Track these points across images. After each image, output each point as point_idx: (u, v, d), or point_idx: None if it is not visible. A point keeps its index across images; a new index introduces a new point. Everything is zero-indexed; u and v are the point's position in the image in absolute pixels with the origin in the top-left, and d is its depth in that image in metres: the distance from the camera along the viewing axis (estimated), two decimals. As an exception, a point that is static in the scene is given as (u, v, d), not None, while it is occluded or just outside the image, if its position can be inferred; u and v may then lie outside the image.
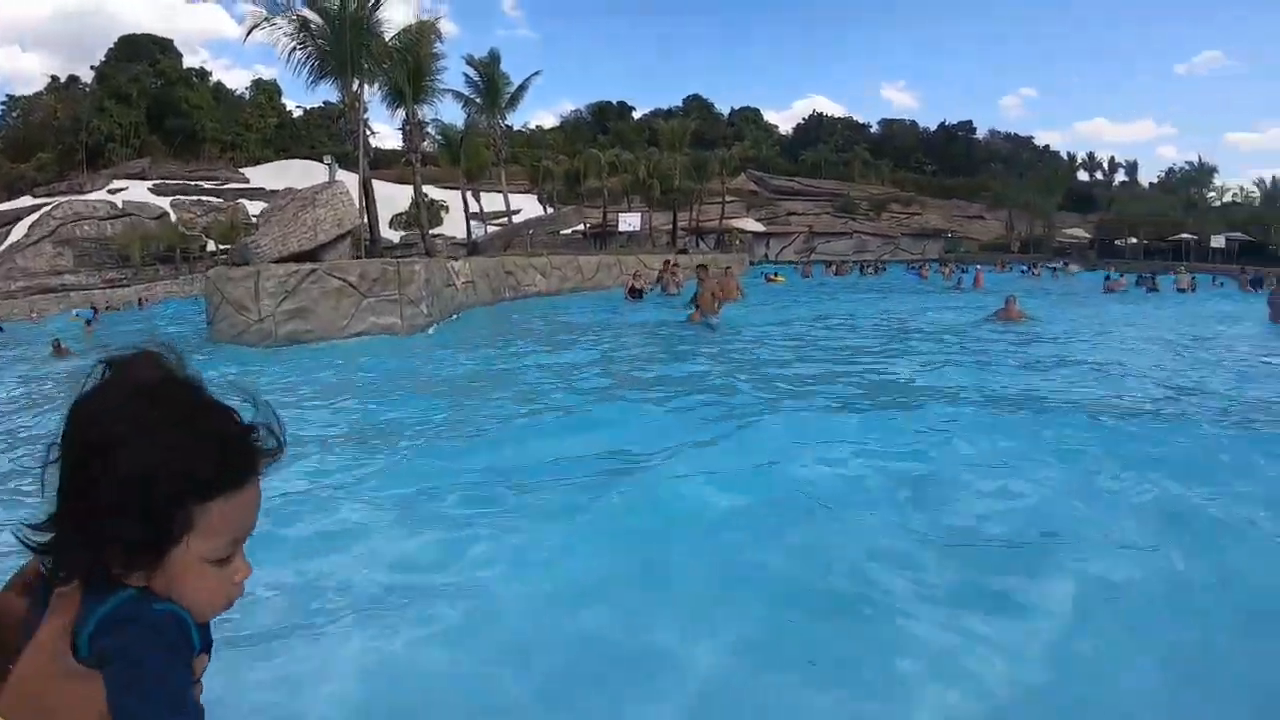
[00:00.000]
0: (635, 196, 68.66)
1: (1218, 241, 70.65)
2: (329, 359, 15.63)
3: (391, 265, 19.65)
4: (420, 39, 33.26)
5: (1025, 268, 59.84)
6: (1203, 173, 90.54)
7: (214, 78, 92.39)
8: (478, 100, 44.17)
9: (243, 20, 29.31)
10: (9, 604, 1.17)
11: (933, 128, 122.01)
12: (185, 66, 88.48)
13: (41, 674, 1.03)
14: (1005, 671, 3.94)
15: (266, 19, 28.40)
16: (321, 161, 33.75)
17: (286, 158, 79.68)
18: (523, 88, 45.61)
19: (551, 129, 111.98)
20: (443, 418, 9.58)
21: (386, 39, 31.60)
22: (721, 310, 20.92)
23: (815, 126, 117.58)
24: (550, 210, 65.28)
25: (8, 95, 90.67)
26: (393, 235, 51.03)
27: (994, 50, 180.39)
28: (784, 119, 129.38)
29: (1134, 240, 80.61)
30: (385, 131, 71.60)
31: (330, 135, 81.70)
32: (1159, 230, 79.96)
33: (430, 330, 19.95)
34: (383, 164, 74.61)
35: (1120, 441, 8.70)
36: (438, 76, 35.71)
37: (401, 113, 35.42)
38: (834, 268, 56.41)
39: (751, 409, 9.79)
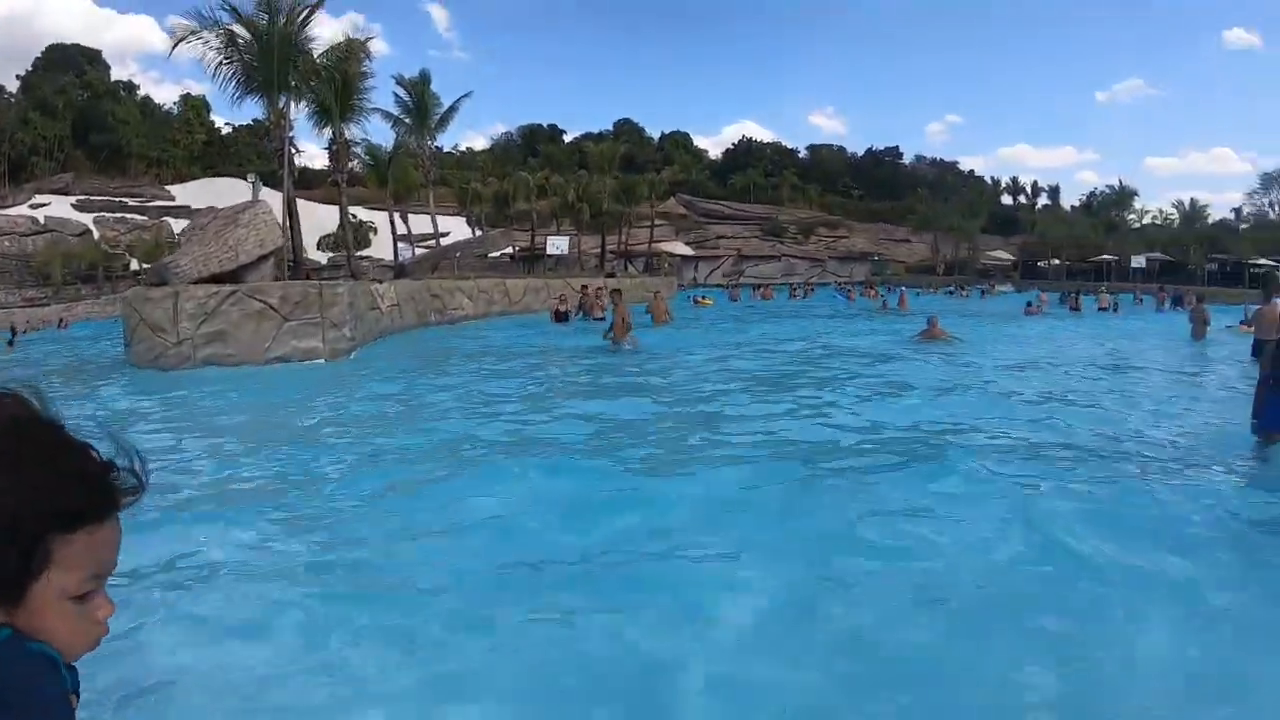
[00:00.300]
0: (565, 219, 68.59)
1: (1138, 262, 72.74)
2: (242, 385, 15.11)
3: (314, 288, 19.22)
4: (348, 57, 32.72)
5: (953, 289, 60.85)
6: (1123, 196, 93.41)
7: (142, 91, 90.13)
8: (407, 121, 43.77)
9: (173, 33, 28.52)
10: None
11: (860, 153, 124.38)
12: (113, 79, 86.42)
13: None
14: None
15: (193, 32, 27.59)
16: (247, 179, 33.22)
17: (214, 175, 78.04)
18: (453, 109, 45.35)
19: (482, 151, 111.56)
20: (336, 462, 8.74)
21: (315, 56, 31.11)
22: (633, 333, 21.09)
23: (745, 151, 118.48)
24: (479, 233, 64.96)
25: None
26: (320, 257, 50.32)
27: (920, 78, 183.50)
28: (714, 144, 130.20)
29: (1056, 261, 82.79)
30: (314, 151, 70.01)
31: (259, 154, 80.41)
32: (1081, 251, 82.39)
33: (352, 355, 19.52)
34: (311, 183, 73.54)
35: (1017, 465, 8.88)
36: (365, 95, 35.17)
37: (329, 132, 34.84)
38: (761, 290, 56.81)
39: (659, 443, 9.70)
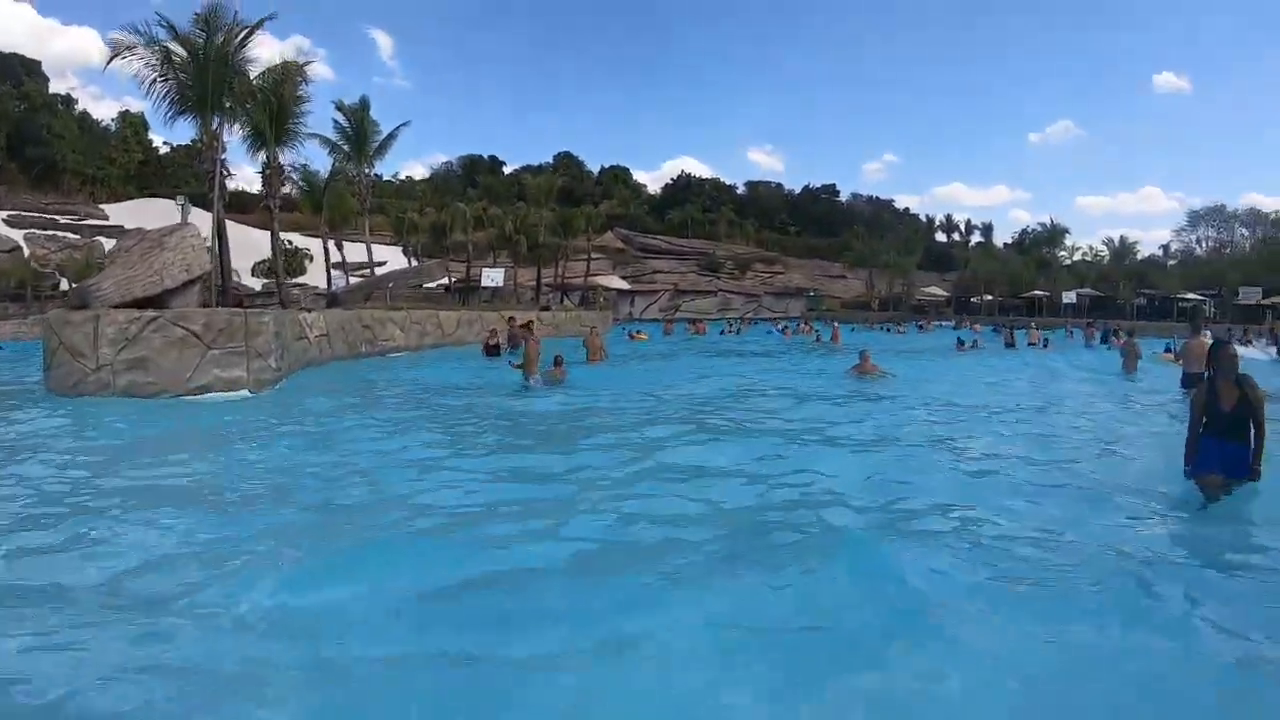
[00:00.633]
0: (502, 251, 68.43)
1: (1069, 297, 74.92)
2: (151, 418, 14.46)
3: (239, 316, 18.44)
4: (285, 80, 32.15)
5: (888, 325, 61.59)
6: (1054, 234, 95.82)
7: (80, 106, 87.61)
8: (345, 147, 43.04)
9: (114, 47, 27.86)
10: None
11: (798, 190, 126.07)
12: (51, 92, 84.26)
13: None
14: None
15: (128, 48, 26.90)
16: (175, 201, 32.58)
17: (150, 196, 76.77)
18: (391, 136, 44.50)
19: (421, 180, 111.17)
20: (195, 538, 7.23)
21: (251, 78, 30.54)
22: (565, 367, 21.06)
23: (683, 186, 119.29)
24: (414, 263, 64.56)
25: None
26: (255, 283, 49.60)
27: (858, 118, 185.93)
28: (653, 179, 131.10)
29: (989, 297, 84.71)
30: (251, 174, 68.89)
31: (196, 175, 79.43)
32: (1013, 288, 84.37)
33: (277, 386, 19.01)
34: (247, 207, 72.60)
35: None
36: (301, 120, 34.36)
37: (264, 155, 34.30)
38: (695, 326, 57.04)
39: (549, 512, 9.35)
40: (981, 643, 4.99)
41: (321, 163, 46.40)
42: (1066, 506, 8.45)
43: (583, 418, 15.22)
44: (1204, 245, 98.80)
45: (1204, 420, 8.27)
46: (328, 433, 12.86)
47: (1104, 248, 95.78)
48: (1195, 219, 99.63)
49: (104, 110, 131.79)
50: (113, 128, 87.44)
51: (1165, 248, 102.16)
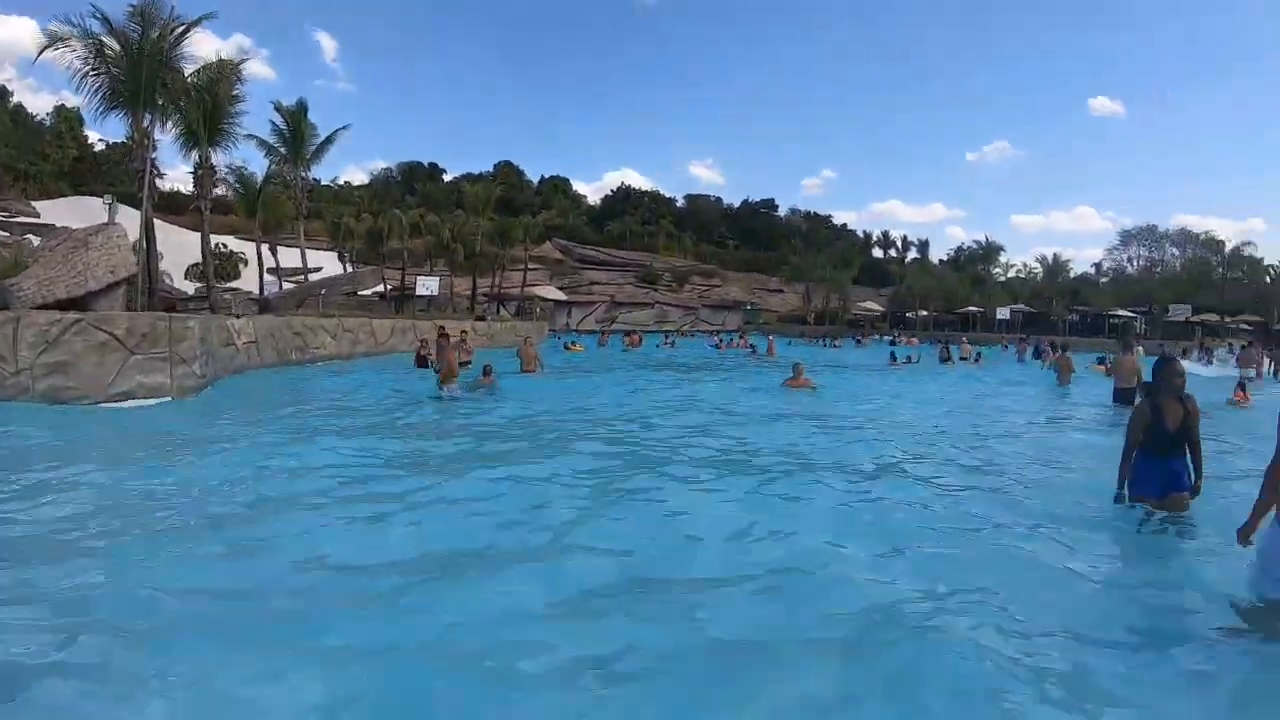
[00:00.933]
0: (439, 260, 68.02)
1: (1003, 313, 76.38)
2: (64, 425, 13.91)
3: (163, 320, 17.93)
4: (220, 78, 31.28)
5: (824, 340, 62.13)
6: (989, 251, 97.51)
7: (15, 99, 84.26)
8: (282, 150, 42.44)
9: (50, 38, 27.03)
10: None
11: (737, 204, 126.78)
12: (-16, 83, 79.87)
13: None
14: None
15: (61, 40, 25.98)
16: (102, 200, 31.79)
17: (84, 193, 75.13)
18: (329, 140, 43.94)
19: (360, 186, 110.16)
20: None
21: (185, 75, 29.71)
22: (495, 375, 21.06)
23: (623, 198, 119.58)
24: (350, 269, 63.96)
25: None
26: (188, 287, 48.64)
27: (798, 134, 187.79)
28: (594, 190, 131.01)
29: (924, 312, 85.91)
30: (186, 175, 67.14)
31: (128, 174, 77.72)
32: (948, 303, 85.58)
33: (201, 393, 18.41)
34: (181, 209, 71.21)
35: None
36: (236, 120, 33.40)
37: (197, 155, 33.54)
38: (630, 338, 57.10)
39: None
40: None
41: (260, 165, 45.43)
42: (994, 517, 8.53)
43: (491, 428, 14.94)
44: (1135, 264, 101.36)
45: (1144, 439, 8.09)
46: (227, 445, 12.28)
47: (1038, 265, 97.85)
48: (1127, 238, 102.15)
49: (40, 104, 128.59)
50: (47, 122, 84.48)
51: (1098, 266, 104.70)
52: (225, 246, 56.38)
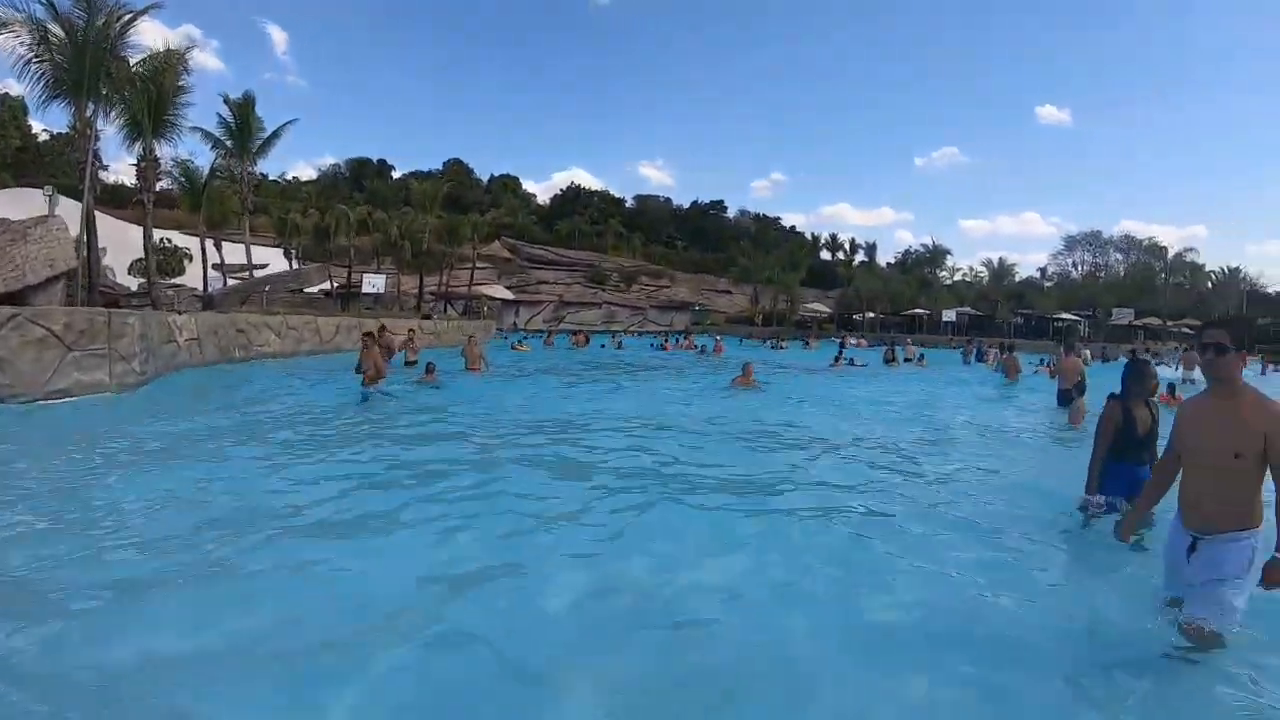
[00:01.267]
0: (386, 257, 67.51)
1: (949, 316, 77.44)
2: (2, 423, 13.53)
3: (102, 316, 17.58)
4: (166, 68, 30.37)
5: (773, 342, 62.47)
6: (936, 254, 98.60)
7: None
8: (228, 143, 41.56)
9: None
10: None
11: (686, 205, 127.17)
12: (-76, 68, 79.00)
13: None
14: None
15: (3, 25, 25.07)
16: (42, 191, 31.10)
17: (25, 184, 73.43)
18: (276, 134, 43.20)
19: (308, 182, 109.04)
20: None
21: (131, 64, 28.92)
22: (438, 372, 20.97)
23: (572, 198, 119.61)
24: (295, 266, 63.31)
25: None
26: (131, 282, 47.71)
27: (748, 136, 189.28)
28: (543, 189, 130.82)
29: (871, 314, 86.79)
30: (131, 167, 65.21)
31: (71, 165, 75.48)
32: (895, 306, 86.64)
33: (140, 391, 18.09)
34: (125, 202, 70.03)
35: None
36: (181, 111, 32.41)
37: (140, 146, 32.88)
38: (575, 338, 57.03)
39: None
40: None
41: (206, 159, 44.49)
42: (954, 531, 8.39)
43: (399, 430, 14.41)
44: (1080, 268, 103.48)
45: (1112, 442, 7.76)
46: (149, 445, 11.91)
47: (984, 269, 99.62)
48: (1072, 243, 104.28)
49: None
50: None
51: (1043, 270, 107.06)
52: (169, 241, 55.35)
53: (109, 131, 31.57)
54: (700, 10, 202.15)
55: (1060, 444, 14.84)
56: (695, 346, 50.89)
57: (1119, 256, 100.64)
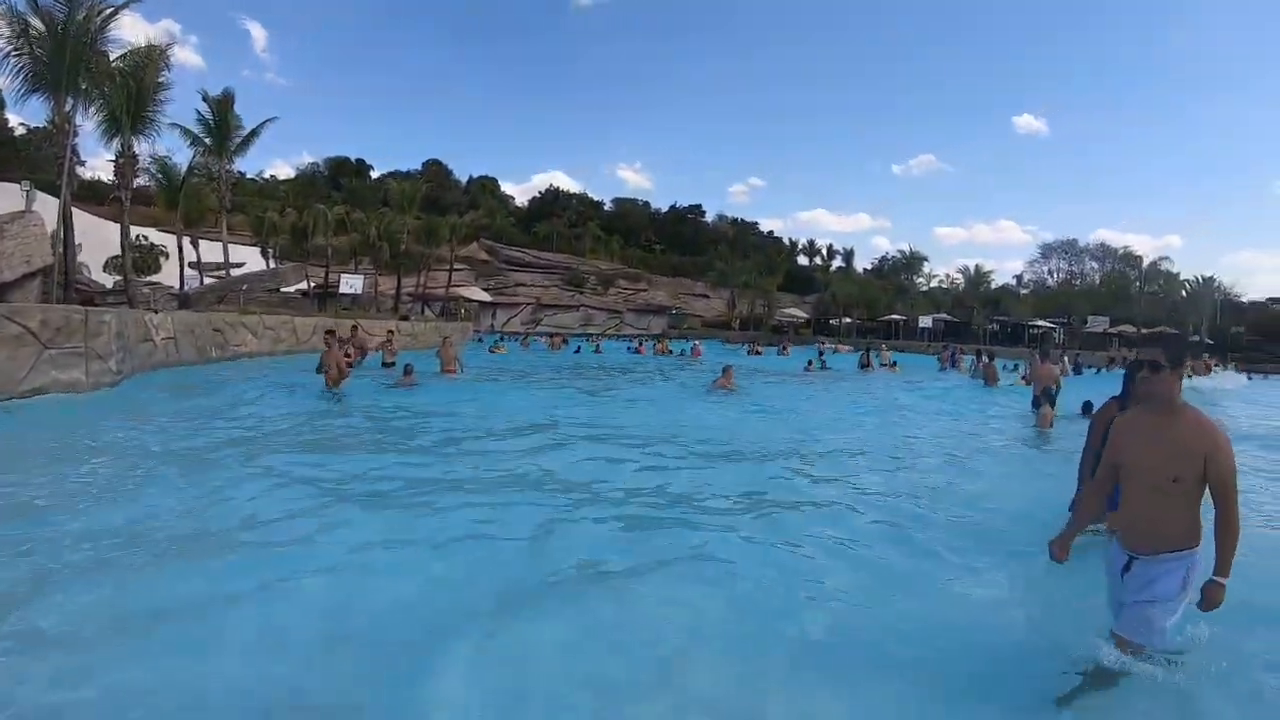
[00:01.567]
0: (364, 258, 67.32)
1: (925, 322, 78.03)
2: None
3: (78, 314, 17.31)
4: (147, 63, 30.42)
5: (749, 348, 62.69)
6: (913, 261, 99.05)
7: None
8: (207, 140, 41.38)
9: None
10: None
11: (664, 209, 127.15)
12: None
13: None
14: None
15: None
16: (19, 187, 30.79)
17: (3, 180, 72.48)
18: (254, 132, 43.08)
19: (286, 180, 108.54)
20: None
21: (111, 59, 28.83)
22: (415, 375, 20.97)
23: (551, 200, 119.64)
24: (272, 265, 63.06)
25: None
26: (107, 280, 47.35)
27: (727, 141, 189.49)
28: (522, 191, 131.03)
29: (848, 320, 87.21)
30: (108, 163, 64.13)
31: (49, 160, 74.43)
32: (871, 311, 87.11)
33: (115, 390, 17.77)
34: (103, 198, 69.32)
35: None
36: (160, 108, 32.53)
37: (119, 142, 32.58)
38: (551, 341, 57.03)
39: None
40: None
41: (184, 156, 44.07)
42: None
43: (347, 434, 14.18)
44: (1055, 276, 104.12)
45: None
46: (109, 447, 11.72)
47: (960, 276, 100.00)
48: (1048, 251, 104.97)
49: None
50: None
51: (1019, 277, 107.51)
52: (146, 239, 55.07)
53: (87, 127, 31.36)
54: (680, 14, 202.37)
55: (1028, 451, 14.96)
56: (670, 351, 51.00)
57: (1094, 265, 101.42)
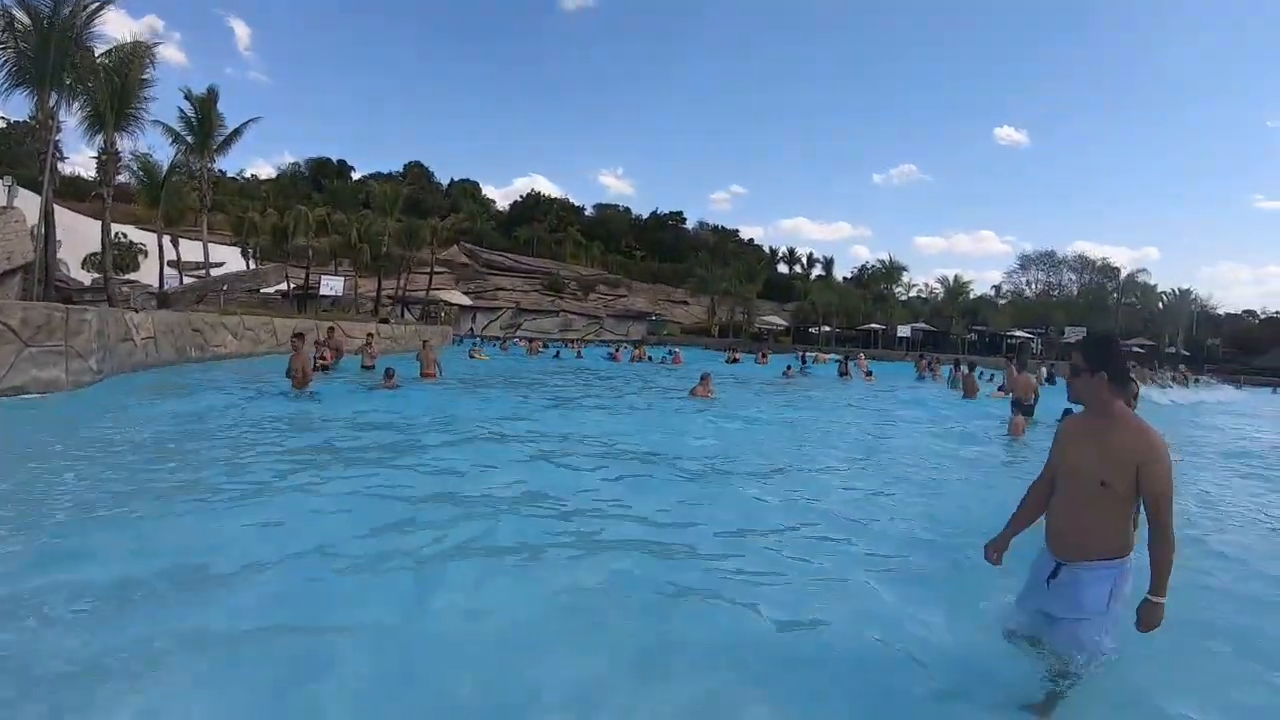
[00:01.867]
0: (344, 259, 67.16)
1: (904, 331, 78.49)
2: None
3: (59, 312, 17.35)
4: (133, 60, 30.29)
5: (728, 355, 62.91)
6: (892, 270, 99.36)
7: None
8: (189, 139, 41.12)
9: None
10: None
11: (645, 215, 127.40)
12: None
13: None
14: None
15: None
16: (2, 182, 30.56)
17: None
18: (237, 131, 42.90)
19: (267, 180, 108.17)
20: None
21: (96, 55, 28.66)
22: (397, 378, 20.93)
23: (532, 204, 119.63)
24: (253, 265, 62.74)
25: None
26: (85, 278, 46.96)
27: (708, 148, 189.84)
28: (503, 195, 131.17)
29: (827, 328, 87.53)
30: (89, 159, 62.98)
31: (31, 155, 73.10)
32: (850, 320, 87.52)
33: (94, 389, 17.77)
34: (82, 195, 68.92)
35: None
36: (144, 105, 32.36)
37: (102, 139, 31.93)
38: (530, 346, 57.02)
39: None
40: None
41: (167, 154, 43.66)
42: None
43: (304, 441, 13.33)
44: (1033, 287, 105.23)
45: None
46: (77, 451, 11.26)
47: (939, 285, 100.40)
48: (1026, 262, 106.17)
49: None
50: (-52, 97, 79.87)
51: (997, 288, 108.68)
52: (125, 237, 54.71)
53: (69, 123, 31.20)
54: (665, 20, 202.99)
55: (992, 461, 14.96)
56: (646, 357, 51.07)
57: (1072, 276, 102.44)
